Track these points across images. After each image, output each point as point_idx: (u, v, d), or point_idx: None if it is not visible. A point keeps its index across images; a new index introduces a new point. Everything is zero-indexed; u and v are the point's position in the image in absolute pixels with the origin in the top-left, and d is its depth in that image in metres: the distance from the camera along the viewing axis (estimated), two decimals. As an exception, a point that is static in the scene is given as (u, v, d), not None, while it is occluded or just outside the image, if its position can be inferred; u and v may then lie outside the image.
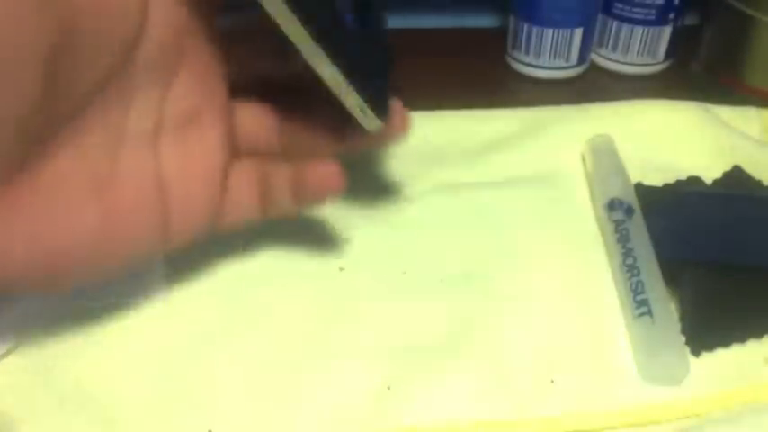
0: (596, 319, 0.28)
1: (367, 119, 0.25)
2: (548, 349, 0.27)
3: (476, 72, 0.44)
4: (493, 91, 0.42)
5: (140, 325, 0.27)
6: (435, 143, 0.36)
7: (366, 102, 0.25)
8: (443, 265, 0.30)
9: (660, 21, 0.42)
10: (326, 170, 0.26)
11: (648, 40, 0.43)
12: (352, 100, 0.25)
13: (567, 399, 0.25)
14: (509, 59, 0.45)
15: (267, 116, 0.27)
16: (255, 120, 0.27)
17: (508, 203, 0.33)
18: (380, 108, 0.26)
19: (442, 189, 0.33)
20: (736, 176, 0.34)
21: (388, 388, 0.25)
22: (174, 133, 0.24)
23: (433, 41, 0.48)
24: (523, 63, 0.44)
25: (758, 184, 0.33)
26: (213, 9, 0.24)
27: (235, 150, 0.26)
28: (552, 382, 0.26)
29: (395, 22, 0.51)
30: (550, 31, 0.42)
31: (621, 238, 0.29)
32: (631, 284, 0.28)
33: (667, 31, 0.43)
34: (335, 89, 0.24)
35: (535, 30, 0.42)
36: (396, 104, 0.27)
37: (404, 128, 0.27)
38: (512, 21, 0.44)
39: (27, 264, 0.21)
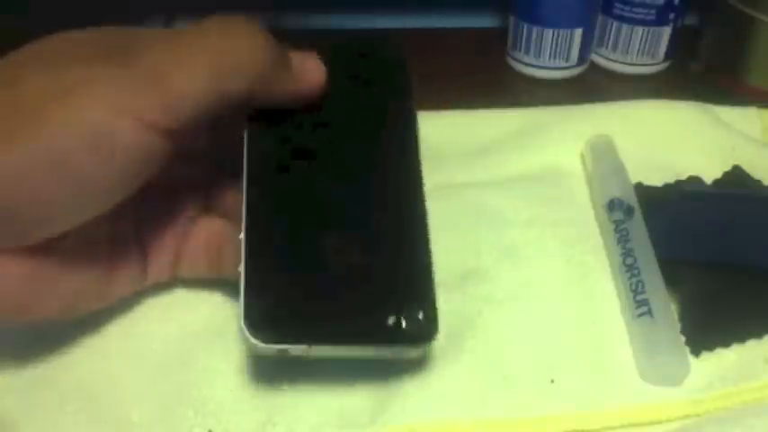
0: (596, 319, 0.28)
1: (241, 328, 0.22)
2: (548, 349, 0.27)
3: (476, 72, 0.44)
4: (493, 91, 0.42)
5: (140, 325, 0.27)
6: (435, 143, 0.36)
7: (244, 307, 0.22)
8: (443, 264, 0.30)
9: (660, 21, 0.42)
10: None
11: (648, 40, 0.43)
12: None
13: (567, 399, 0.25)
14: (509, 59, 0.45)
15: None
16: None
17: (508, 203, 0.33)
18: (257, 324, 0.22)
19: (442, 189, 0.33)
20: (736, 176, 0.34)
21: (389, 388, 0.25)
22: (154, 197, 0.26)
23: (433, 41, 0.48)
24: (523, 63, 0.44)
25: (758, 184, 0.33)
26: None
27: (204, 208, 0.27)
28: (552, 382, 0.26)
29: (395, 22, 0.51)
30: (550, 31, 0.42)
31: (621, 238, 0.29)
32: (631, 284, 0.28)
33: (667, 31, 0.43)
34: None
35: (535, 30, 0.42)
36: None
37: None
38: (512, 21, 0.44)
39: (45, 310, 0.23)
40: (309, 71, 0.24)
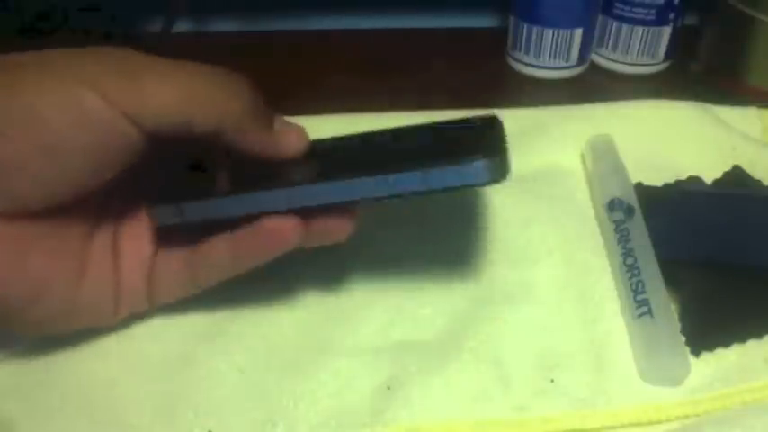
0: (596, 319, 0.28)
1: None
2: (548, 349, 0.27)
3: (476, 72, 0.44)
4: (493, 91, 0.42)
5: (140, 325, 0.27)
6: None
7: None
8: (444, 264, 0.30)
9: (660, 21, 0.42)
10: (284, 223, 0.25)
11: (648, 40, 0.43)
12: None
13: (567, 399, 0.25)
14: (509, 59, 0.45)
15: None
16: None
17: (508, 203, 0.33)
18: None
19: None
20: (736, 176, 0.34)
21: (388, 388, 0.25)
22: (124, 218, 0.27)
23: (433, 41, 0.48)
24: (523, 63, 0.44)
25: (758, 183, 0.33)
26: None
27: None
28: (552, 381, 0.26)
29: (395, 22, 0.51)
30: (550, 31, 0.42)
31: (621, 238, 0.29)
32: (631, 284, 0.28)
33: (667, 31, 0.43)
34: None
35: (535, 30, 0.42)
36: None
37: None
38: (512, 21, 0.44)
39: (17, 284, 0.23)
40: (288, 139, 0.25)
